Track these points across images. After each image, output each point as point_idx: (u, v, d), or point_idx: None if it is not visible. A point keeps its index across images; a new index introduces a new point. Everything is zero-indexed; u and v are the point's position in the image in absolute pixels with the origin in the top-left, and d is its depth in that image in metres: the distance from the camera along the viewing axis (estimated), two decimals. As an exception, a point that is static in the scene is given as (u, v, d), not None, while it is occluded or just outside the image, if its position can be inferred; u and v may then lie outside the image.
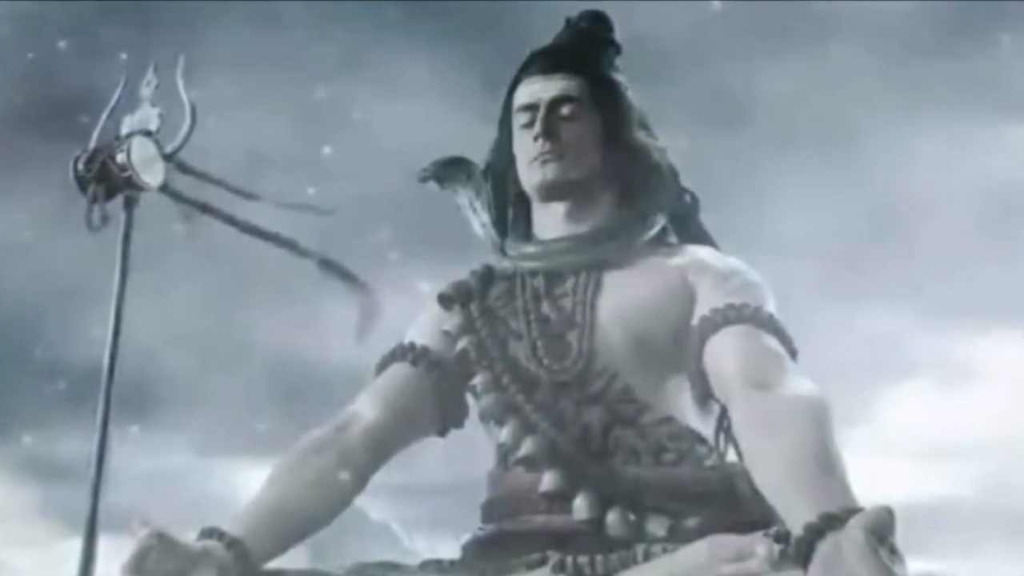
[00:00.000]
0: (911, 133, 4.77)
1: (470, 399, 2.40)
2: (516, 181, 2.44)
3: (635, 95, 2.47)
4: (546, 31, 2.52)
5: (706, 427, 2.31)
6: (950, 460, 4.88)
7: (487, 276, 2.43)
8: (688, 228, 2.48)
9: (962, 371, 5.02)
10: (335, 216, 2.95)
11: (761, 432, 2.02)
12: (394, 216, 3.33)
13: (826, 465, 1.91)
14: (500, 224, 2.49)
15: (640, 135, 2.43)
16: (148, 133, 2.95)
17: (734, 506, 2.16)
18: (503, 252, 2.45)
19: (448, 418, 2.41)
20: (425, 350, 2.38)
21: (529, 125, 2.39)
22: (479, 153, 2.53)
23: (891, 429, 4.89)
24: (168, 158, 2.95)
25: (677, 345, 2.28)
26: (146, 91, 3.01)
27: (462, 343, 2.35)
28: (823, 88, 4.72)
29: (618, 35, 2.51)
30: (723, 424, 2.32)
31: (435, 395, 2.38)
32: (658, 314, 2.30)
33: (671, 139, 2.49)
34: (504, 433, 2.27)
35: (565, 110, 2.38)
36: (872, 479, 2.05)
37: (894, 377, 4.91)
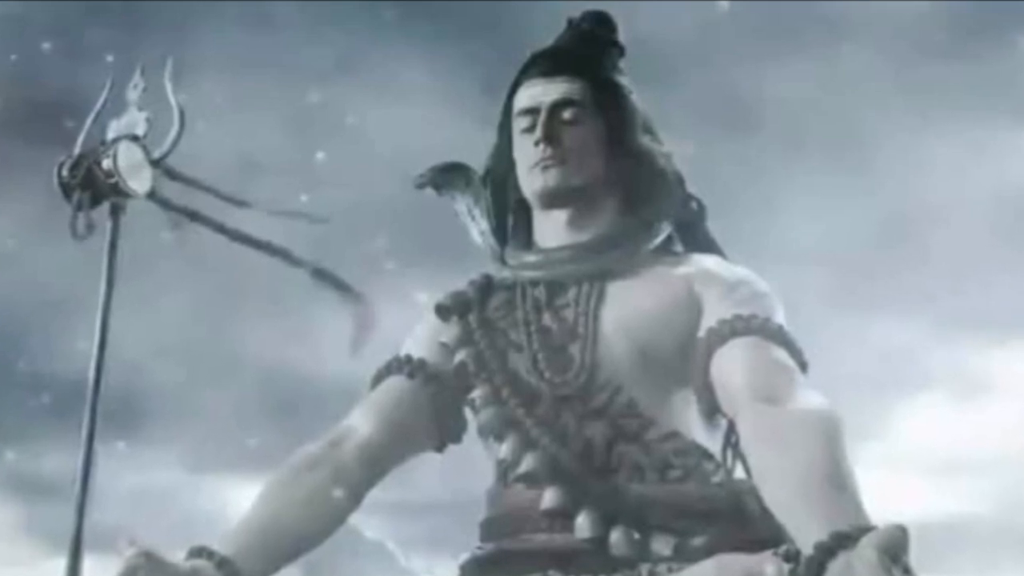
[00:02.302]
0: (925, 138, 4.77)
1: (468, 413, 2.40)
2: (516, 187, 2.44)
3: (640, 98, 2.47)
4: (547, 32, 2.52)
5: (713, 443, 2.31)
6: (965, 476, 4.88)
7: (486, 286, 2.43)
8: (694, 236, 2.48)
9: (978, 384, 5.02)
10: (329, 224, 2.95)
11: (770, 447, 2.02)
12: (390, 224, 3.33)
13: (837, 482, 1.91)
14: (500, 232, 2.49)
15: (645, 140, 2.43)
16: (135, 138, 2.96)
17: (742, 524, 2.16)
18: (503, 261, 2.45)
19: (446, 433, 2.41)
20: (422, 363, 2.38)
21: (530, 129, 2.38)
22: (478, 158, 2.53)
23: (904, 444, 4.89)
24: (156, 164, 2.95)
25: (683, 358, 2.28)
26: (133, 94, 3.01)
27: (460, 355, 2.35)
28: (834, 91, 4.73)
29: (622, 36, 2.51)
30: (731, 439, 2.32)
31: (432, 409, 2.38)
32: (663, 325, 2.30)
33: (677, 144, 2.49)
34: (504, 449, 2.27)
35: (567, 114, 2.38)
36: (885, 496, 2.05)
37: (907, 390, 4.91)
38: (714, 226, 2.51)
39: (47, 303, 4.16)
